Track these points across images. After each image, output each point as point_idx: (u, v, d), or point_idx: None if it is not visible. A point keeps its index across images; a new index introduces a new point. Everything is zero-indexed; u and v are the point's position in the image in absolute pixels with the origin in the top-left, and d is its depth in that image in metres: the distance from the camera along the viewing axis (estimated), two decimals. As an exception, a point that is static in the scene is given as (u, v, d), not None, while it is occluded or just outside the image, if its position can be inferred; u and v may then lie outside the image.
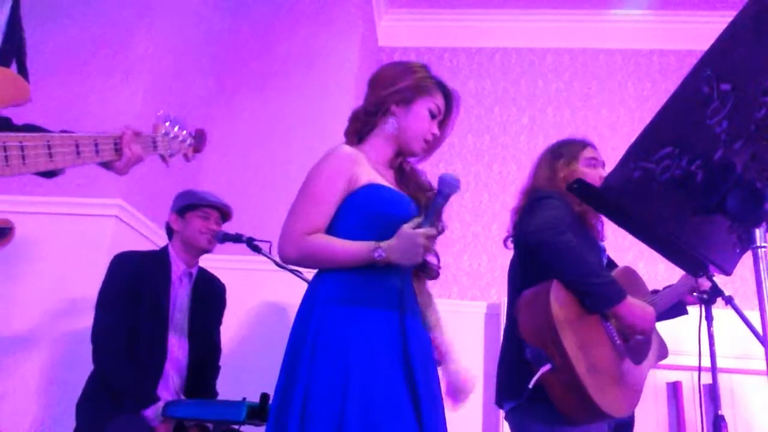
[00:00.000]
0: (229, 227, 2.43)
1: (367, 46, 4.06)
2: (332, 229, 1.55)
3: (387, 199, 1.55)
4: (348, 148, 1.59)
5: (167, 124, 1.61)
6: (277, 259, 1.70)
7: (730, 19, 0.88)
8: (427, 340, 1.59)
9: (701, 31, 4.05)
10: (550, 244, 1.69)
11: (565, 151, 2.02)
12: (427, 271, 1.67)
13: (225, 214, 2.43)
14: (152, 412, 2.01)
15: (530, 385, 1.57)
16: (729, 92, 0.91)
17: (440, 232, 1.61)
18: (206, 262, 2.47)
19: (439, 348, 1.68)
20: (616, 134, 4.02)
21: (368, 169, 1.58)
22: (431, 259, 1.65)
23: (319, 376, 1.39)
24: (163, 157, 1.61)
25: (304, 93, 3.65)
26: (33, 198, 2.58)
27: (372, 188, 1.55)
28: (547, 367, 1.59)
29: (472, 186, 4.04)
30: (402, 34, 4.48)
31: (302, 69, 3.74)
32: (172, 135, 1.62)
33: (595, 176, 1.95)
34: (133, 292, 2.16)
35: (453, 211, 3.94)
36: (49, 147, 1.22)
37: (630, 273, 2.03)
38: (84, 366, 2.14)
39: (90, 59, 2.94)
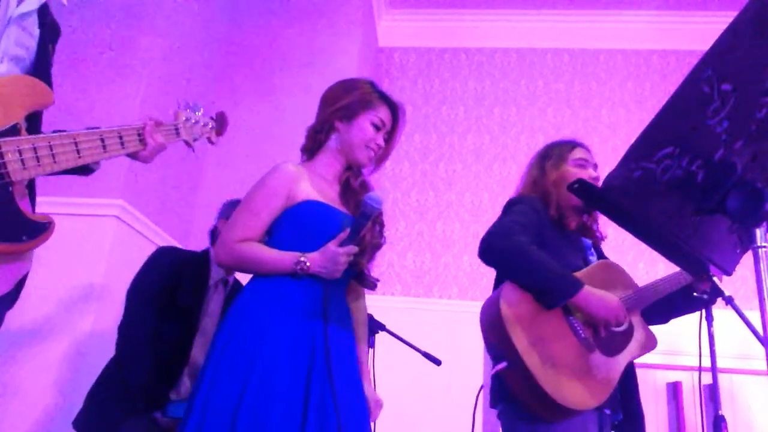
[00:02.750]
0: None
1: (367, 46, 4.06)
2: (269, 241, 1.63)
3: (320, 216, 1.62)
4: (290, 166, 1.66)
5: (187, 111, 1.69)
6: None
7: (730, 19, 0.88)
8: (346, 350, 1.62)
9: (701, 31, 4.05)
10: (498, 248, 1.75)
11: (554, 152, 2.03)
12: (363, 282, 1.73)
13: None
14: (160, 413, 2.01)
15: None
16: (730, 92, 0.91)
17: (379, 245, 1.72)
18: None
19: (359, 364, 1.73)
20: (616, 134, 4.02)
21: (308, 185, 1.64)
22: (368, 271, 1.72)
23: (222, 378, 1.45)
24: (187, 143, 1.68)
25: (304, 93, 3.64)
26: (33, 198, 2.58)
27: (307, 205, 1.62)
28: (501, 365, 1.67)
29: (472, 186, 4.04)
30: (402, 35, 4.48)
31: (302, 69, 3.74)
32: (193, 120, 1.70)
33: (585, 177, 1.93)
34: (168, 290, 2.14)
35: (453, 211, 3.94)
36: (76, 144, 1.30)
37: (608, 267, 1.98)
38: (84, 365, 2.14)
39: (90, 59, 2.94)
